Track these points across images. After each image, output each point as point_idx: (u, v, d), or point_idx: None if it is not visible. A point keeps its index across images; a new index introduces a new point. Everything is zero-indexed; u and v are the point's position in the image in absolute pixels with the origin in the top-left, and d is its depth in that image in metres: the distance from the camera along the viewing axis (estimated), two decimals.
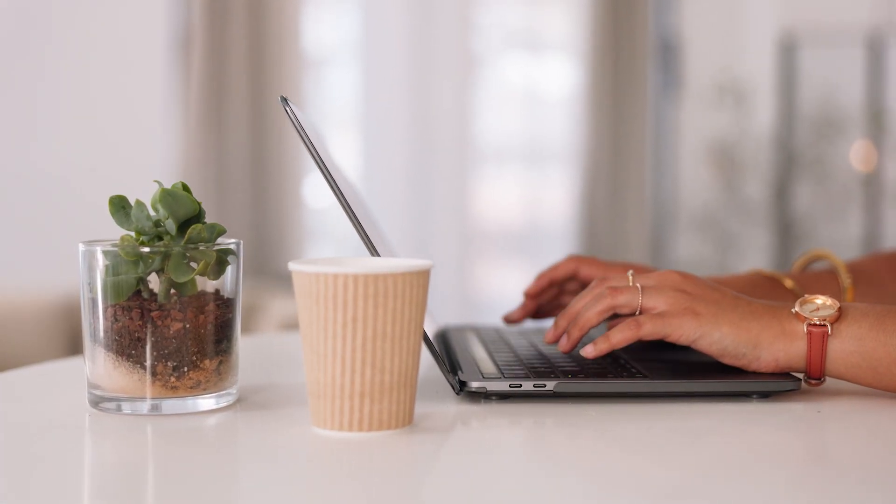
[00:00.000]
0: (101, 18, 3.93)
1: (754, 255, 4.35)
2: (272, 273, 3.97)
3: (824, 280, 1.24)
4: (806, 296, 0.97)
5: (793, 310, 0.97)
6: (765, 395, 0.97)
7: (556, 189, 4.50)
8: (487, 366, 1.03)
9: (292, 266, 0.86)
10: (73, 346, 3.35)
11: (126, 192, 0.95)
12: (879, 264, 1.29)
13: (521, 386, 0.96)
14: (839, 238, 4.33)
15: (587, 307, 1.01)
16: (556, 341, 1.04)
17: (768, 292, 1.20)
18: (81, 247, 0.94)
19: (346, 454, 0.81)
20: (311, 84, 4.26)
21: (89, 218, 3.82)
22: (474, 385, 0.96)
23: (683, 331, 0.97)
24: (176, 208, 0.91)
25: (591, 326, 1.01)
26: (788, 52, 4.38)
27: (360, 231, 0.95)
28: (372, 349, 0.84)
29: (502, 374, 0.99)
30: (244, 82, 3.96)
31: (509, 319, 1.25)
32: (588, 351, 0.99)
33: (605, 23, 4.35)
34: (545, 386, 0.95)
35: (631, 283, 1.01)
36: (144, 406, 0.91)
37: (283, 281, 3.88)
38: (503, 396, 0.97)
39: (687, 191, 4.46)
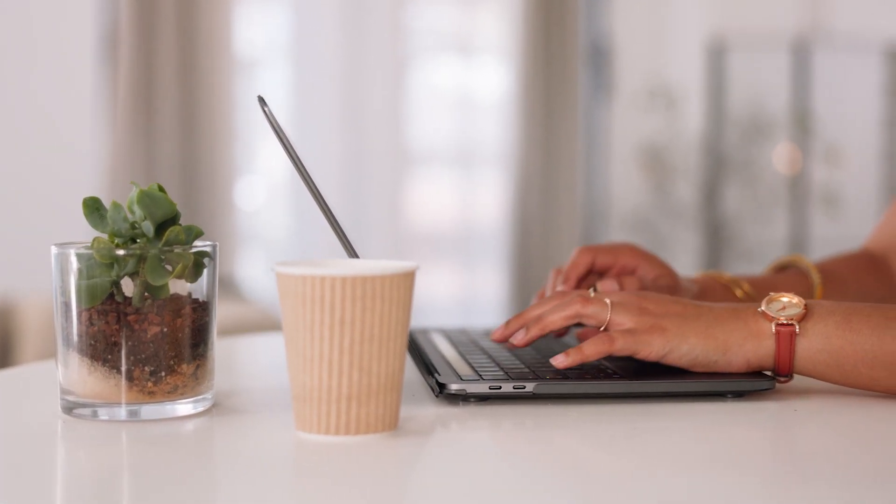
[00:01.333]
0: (24, 18, 3.86)
1: (685, 257, 4.40)
2: None
3: (790, 280, 1.26)
4: (771, 294, 0.98)
5: (759, 309, 0.98)
6: (739, 395, 0.98)
7: (489, 191, 4.51)
8: (463, 367, 1.03)
9: (277, 268, 0.85)
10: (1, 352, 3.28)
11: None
12: (842, 264, 1.31)
13: (500, 388, 0.95)
14: (767, 239, 4.40)
15: (554, 309, 1.01)
16: (503, 340, 1.04)
17: (720, 298, 1.21)
18: (54, 249, 0.92)
19: (335, 458, 0.81)
20: (243, 86, 4.23)
21: (15, 221, 3.75)
22: (454, 387, 0.95)
23: (652, 348, 0.97)
24: (154, 210, 0.90)
25: (553, 329, 1.01)
26: (717, 57, 4.44)
27: (340, 233, 0.94)
28: (360, 352, 0.83)
29: (480, 376, 0.98)
30: (173, 83, 3.92)
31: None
32: (559, 360, 0.99)
33: (537, 27, 4.37)
34: (524, 388, 0.95)
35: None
36: (122, 412, 0.90)
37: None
38: (482, 398, 0.97)
39: (618, 193, 4.50)
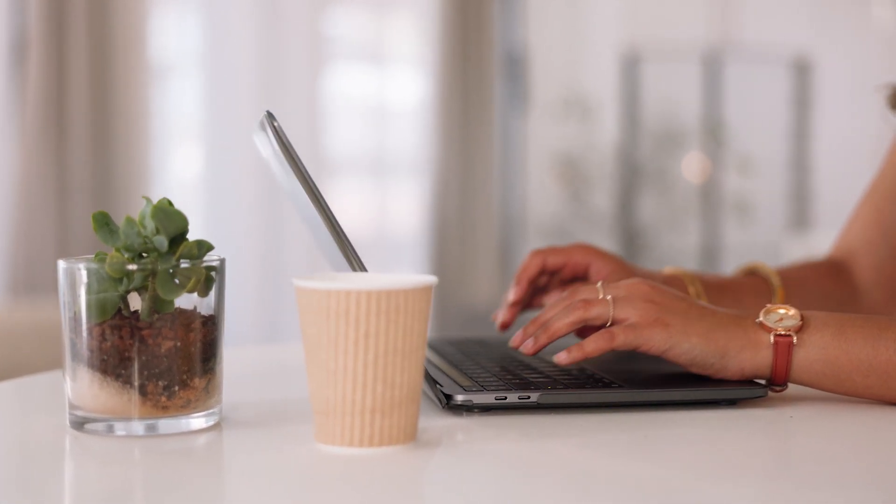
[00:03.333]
0: None
1: None
2: None
3: (750, 283, 1.30)
4: (769, 305, 1.01)
5: (757, 319, 1.01)
6: (732, 403, 1.01)
7: (406, 199, 4.53)
8: (461, 378, 1.04)
9: (299, 283, 0.85)
10: None
11: None
12: (807, 272, 1.36)
13: (505, 398, 0.97)
14: (681, 247, 4.48)
15: (558, 317, 1.03)
16: (518, 347, 1.06)
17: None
18: (62, 264, 0.91)
19: (361, 471, 0.81)
20: (157, 94, 4.17)
21: None
22: (460, 398, 0.97)
23: (654, 342, 1.00)
24: (167, 224, 0.90)
25: (559, 336, 1.03)
26: (631, 67, 4.51)
27: (348, 248, 0.95)
28: (384, 364, 0.84)
29: (482, 386, 1.00)
30: (85, 90, 3.85)
31: (505, 325, 1.25)
32: (561, 358, 1.01)
33: (453, 36, 4.40)
34: (529, 398, 0.97)
35: (601, 296, 1.03)
36: (140, 427, 0.89)
37: None
38: (486, 409, 0.98)
39: (535, 201, 4.55)
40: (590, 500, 0.76)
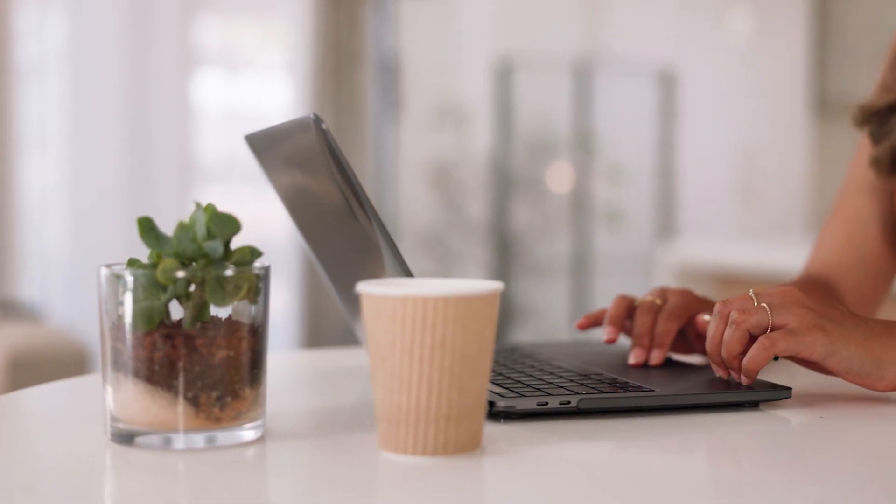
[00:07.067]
0: None
1: (476, 272, 4.48)
2: None
3: None
4: None
5: None
6: (754, 405, 1.03)
7: (279, 208, 4.46)
8: (491, 385, 1.04)
9: (370, 290, 0.84)
10: None
11: None
12: (803, 289, 1.37)
13: (547, 403, 0.97)
14: (554, 254, 4.54)
15: (727, 339, 1.03)
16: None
17: None
18: (104, 270, 0.88)
19: (443, 479, 0.80)
20: (19, 96, 4.03)
21: None
22: (502, 404, 0.96)
23: (816, 348, 1.00)
24: (223, 229, 0.87)
25: (737, 354, 1.03)
26: (504, 77, 4.55)
27: (397, 255, 0.94)
28: (459, 371, 0.83)
29: (517, 392, 1.00)
30: None
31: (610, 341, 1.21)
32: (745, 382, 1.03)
33: (325, 43, 4.37)
34: (570, 403, 0.97)
35: (756, 303, 1.03)
36: (199, 439, 0.86)
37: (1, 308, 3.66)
38: (525, 415, 0.98)
39: (409, 209, 4.54)
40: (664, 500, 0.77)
